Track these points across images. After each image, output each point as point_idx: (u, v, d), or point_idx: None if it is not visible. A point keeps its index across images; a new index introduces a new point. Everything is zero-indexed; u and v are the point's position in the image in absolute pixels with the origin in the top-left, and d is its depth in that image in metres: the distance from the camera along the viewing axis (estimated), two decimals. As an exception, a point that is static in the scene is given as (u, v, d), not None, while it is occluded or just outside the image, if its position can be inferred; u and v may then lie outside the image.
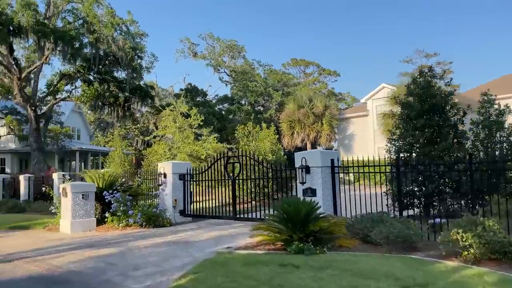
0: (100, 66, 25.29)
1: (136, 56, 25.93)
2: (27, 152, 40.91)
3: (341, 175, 9.64)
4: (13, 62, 23.74)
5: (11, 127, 35.55)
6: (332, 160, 9.18)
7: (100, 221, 11.88)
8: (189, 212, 12.62)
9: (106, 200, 11.63)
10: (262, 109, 38.56)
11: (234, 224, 11.45)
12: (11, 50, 23.06)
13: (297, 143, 29.88)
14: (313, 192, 8.86)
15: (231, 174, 11.69)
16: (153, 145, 22.13)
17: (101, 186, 12.16)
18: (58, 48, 23.62)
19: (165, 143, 20.63)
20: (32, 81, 26.58)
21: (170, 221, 11.86)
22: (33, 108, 25.23)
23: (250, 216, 11.01)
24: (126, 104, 29.38)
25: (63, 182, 17.72)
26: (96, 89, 26.79)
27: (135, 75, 27.33)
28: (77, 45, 22.64)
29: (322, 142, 29.41)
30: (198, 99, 33.17)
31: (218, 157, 11.86)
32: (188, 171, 12.57)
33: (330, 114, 30.71)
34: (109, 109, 29.22)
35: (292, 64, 65.09)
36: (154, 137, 23.34)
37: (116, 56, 24.36)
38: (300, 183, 9.03)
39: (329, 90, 56.59)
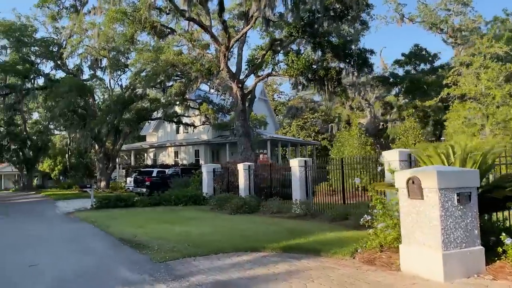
0: (316, 26, 19.79)
1: (365, 6, 19.74)
2: (218, 143, 39.28)
3: None
4: (220, 28, 20.04)
5: (207, 116, 33.55)
6: None
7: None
8: None
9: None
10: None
11: None
12: (220, 9, 19.34)
13: None
14: None
15: None
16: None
17: (473, 175, 5.66)
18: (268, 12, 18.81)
19: (471, 105, 13.62)
20: (236, 56, 22.76)
21: None
22: (239, 85, 21.27)
23: None
24: (337, 77, 23.48)
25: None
26: (306, 58, 21.58)
27: (351, 36, 21.19)
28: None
29: None
30: (422, 67, 25.35)
31: None
32: None
33: None
34: (318, 85, 23.76)
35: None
36: (446, 99, 16.49)
37: (337, 7, 18.50)
38: None
39: None
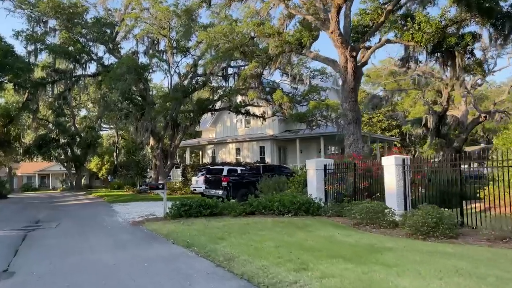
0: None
1: None
2: (286, 138, 34.16)
3: None
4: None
5: (281, 105, 28.38)
6: None
7: None
8: None
9: None
10: None
11: None
12: None
13: None
14: None
15: None
16: None
17: None
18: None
19: None
20: (342, 19, 17.15)
21: None
22: (353, 54, 15.91)
23: None
24: (471, 47, 17.69)
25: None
26: (439, 19, 15.99)
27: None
28: None
29: None
30: None
31: None
32: None
33: None
34: (443, 57, 18.04)
35: None
36: None
37: None
38: None
39: None
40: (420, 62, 20.56)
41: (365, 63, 17.13)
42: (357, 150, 16.51)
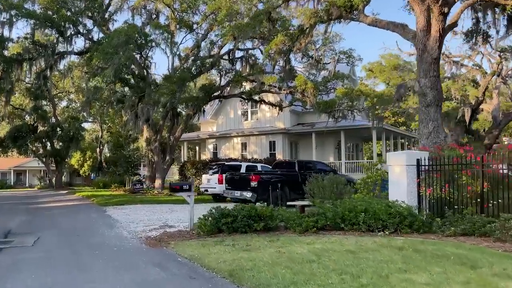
0: None
1: None
2: (299, 133, 30.26)
3: None
4: None
5: (303, 91, 24.33)
6: None
7: None
8: None
9: None
10: None
11: None
12: None
13: None
14: None
15: None
16: None
17: None
18: None
19: None
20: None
21: None
22: (444, 11, 11.86)
23: None
24: None
25: None
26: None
27: None
28: None
29: None
30: None
31: None
32: None
33: None
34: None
35: None
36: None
37: None
38: None
39: None
40: (490, 36, 16.83)
41: (454, 24, 13.18)
42: (438, 141, 12.56)
